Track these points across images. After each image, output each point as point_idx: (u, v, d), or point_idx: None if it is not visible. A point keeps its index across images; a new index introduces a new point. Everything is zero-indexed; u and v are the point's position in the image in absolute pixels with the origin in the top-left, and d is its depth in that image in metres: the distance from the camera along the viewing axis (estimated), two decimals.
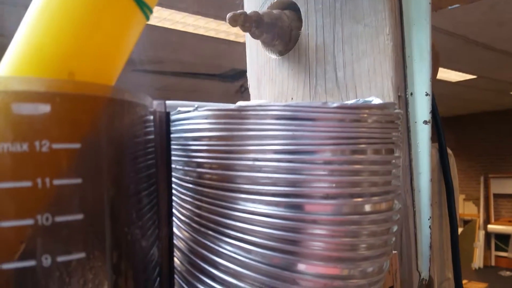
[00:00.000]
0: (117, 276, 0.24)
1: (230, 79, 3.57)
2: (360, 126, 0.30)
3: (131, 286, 0.26)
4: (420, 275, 0.49)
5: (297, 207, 0.29)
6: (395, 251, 0.48)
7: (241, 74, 3.31)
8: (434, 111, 0.53)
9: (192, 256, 0.32)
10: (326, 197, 0.29)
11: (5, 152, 0.21)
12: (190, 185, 0.33)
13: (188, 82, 3.70)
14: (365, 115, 0.30)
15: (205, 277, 0.31)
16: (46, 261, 0.21)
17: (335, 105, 0.28)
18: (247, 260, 0.30)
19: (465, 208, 6.24)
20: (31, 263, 0.21)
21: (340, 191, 0.29)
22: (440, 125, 0.57)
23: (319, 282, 0.30)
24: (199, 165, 0.32)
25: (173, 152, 0.34)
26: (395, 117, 0.32)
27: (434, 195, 0.55)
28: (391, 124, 0.32)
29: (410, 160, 0.50)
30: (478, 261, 5.68)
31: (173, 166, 0.34)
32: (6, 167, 0.21)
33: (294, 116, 0.29)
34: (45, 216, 0.21)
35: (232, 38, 2.63)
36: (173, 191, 0.34)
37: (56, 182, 0.22)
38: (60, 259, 0.22)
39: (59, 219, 0.22)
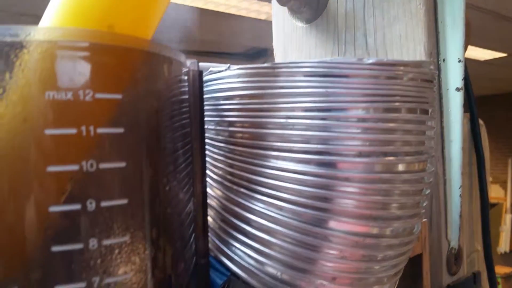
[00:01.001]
0: (155, 224, 0.25)
1: (251, 58, 3.55)
2: (395, 83, 0.29)
3: (168, 236, 0.27)
4: (449, 244, 0.49)
5: (329, 165, 0.29)
6: (425, 219, 0.48)
7: (263, 52, 3.28)
8: (466, 79, 0.51)
9: (225, 214, 0.33)
10: (359, 155, 0.29)
11: (51, 99, 0.21)
12: (222, 144, 0.33)
13: (208, 61, 3.70)
14: (400, 72, 0.30)
15: (238, 233, 0.32)
16: (91, 205, 0.22)
17: (370, 61, 0.28)
18: (279, 217, 0.30)
19: (492, 191, 6.11)
20: (76, 206, 0.22)
21: (373, 149, 0.29)
22: (472, 93, 0.56)
23: (351, 239, 0.30)
24: (231, 124, 0.32)
25: (205, 113, 0.34)
26: (431, 76, 0.32)
27: (464, 165, 0.54)
28: (426, 84, 0.32)
29: (442, 128, 0.49)
30: (504, 245, 5.58)
31: (205, 126, 0.35)
32: (52, 114, 0.22)
33: (327, 73, 0.28)
34: (89, 163, 0.22)
35: (253, 15, 2.60)
36: (206, 151, 0.35)
37: (100, 130, 0.22)
38: (103, 204, 0.22)
39: (102, 166, 0.22)
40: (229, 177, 0.33)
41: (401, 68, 0.29)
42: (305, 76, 0.29)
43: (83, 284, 0.22)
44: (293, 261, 0.31)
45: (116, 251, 0.23)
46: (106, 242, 0.22)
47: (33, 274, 0.21)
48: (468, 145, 0.57)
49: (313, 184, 0.29)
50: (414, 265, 0.47)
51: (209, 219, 0.35)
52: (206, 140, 0.35)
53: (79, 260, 0.22)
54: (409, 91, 0.30)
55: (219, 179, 0.34)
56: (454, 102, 0.49)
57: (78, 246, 0.22)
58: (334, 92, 0.28)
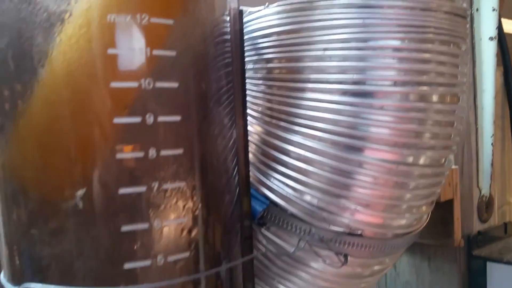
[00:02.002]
0: (204, 141, 0.27)
1: None
2: (429, 15, 0.30)
3: (214, 162, 0.29)
4: (480, 192, 0.50)
5: (365, 94, 0.31)
6: (456, 166, 0.49)
7: None
8: (500, 29, 0.51)
9: (265, 147, 0.35)
10: (394, 84, 0.30)
11: (112, 22, 0.24)
12: (261, 82, 0.35)
13: None
14: (435, 5, 0.31)
15: (277, 164, 0.34)
16: (149, 119, 0.24)
17: None
18: (316, 146, 0.32)
19: None
20: (137, 119, 0.24)
21: (407, 78, 0.31)
22: (506, 47, 0.56)
23: (384, 167, 0.32)
24: (269, 61, 0.34)
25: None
26: (463, 12, 0.33)
27: (497, 118, 0.54)
28: (459, 18, 0.33)
29: (474, 78, 0.50)
30: None
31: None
32: (113, 35, 0.24)
33: (364, 4, 0.30)
34: (147, 81, 0.24)
35: None
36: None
37: (155, 52, 0.25)
38: (160, 118, 0.25)
39: (158, 84, 0.25)
40: (268, 112, 0.35)
41: (436, 0, 0.30)
42: (342, 8, 0.30)
43: (143, 188, 0.24)
44: (329, 188, 0.32)
45: (171, 161, 0.25)
46: (163, 152, 0.25)
47: (100, 178, 0.24)
48: (501, 98, 0.57)
49: (349, 113, 0.31)
50: (445, 210, 0.48)
51: (250, 154, 0.37)
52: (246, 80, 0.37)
53: (140, 167, 0.24)
54: (442, 24, 0.31)
55: (259, 115, 0.36)
56: (487, 52, 0.49)
57: (139, 154, 0.24)
58: (371, 23, 0.30)
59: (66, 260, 0.25)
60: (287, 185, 0.34)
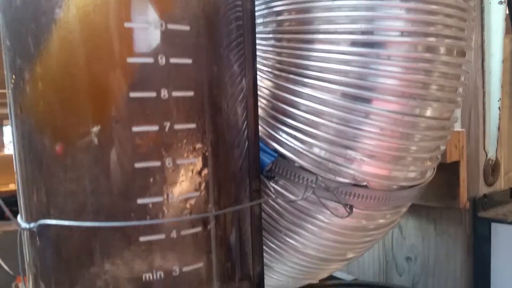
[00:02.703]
0: (213, 87, 0.28)
1: None
2: None
3: (224, 106, 0.30)
4: (486, 155, 0.50)
5: (373, 44, 0.31)
6: (463, 129, 0.49)
7: None
8: None
9: (274, 101, 0.36)
10: (401, 34, 0.31)
11: None
12: (271, 35, 0.35)
13: None
14: None
15: (286, 117, 0.35)
16: (161, 60, 0.25)
17: None
18: (325, 97, 0.33)
19: None
20: (149, 59, 0.25)
21: (415, 29, 0.31)
22: None
23: (391, 117, 0.32)
24: (279, 13, 0.34)
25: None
26: None
27: (505, 85, 0.54)
28: None
29: (482, 42, 0.50)
30: None
31: None
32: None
33: None
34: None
35: None
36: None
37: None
38: (172, 60, 0.26)
39: (171, 26, 0.25)
40: (278, 65, 0.35)
41: None
42: None
43: (156, 127, 0.25)
44: (337, 140, 0.33)
45: (182, 102, 0.26)
46: (175, 93, 0.26)
47: (114, 116, 0.25)
48: (509, 65, 0.57)
49: (358, 63, 0.31)
50: (451, 173, 0.49)
51: (259, 109, 0.38)
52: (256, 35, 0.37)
53: (152, 107, 0.25)
54: None
55: (268, 69, 0.36)
56: (496, 15, 0.49)
57: (152, 94, 0.25)
58: None
59: (80, 196, 0.26)
60: (295, 137, 0.35)
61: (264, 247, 0.41)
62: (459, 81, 0.34)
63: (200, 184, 0.27)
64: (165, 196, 0.26)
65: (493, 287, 0.49)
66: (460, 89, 0.35)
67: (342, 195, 0.35)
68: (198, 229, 0.27)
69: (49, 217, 0.26)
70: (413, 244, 0.55)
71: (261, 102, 0.37)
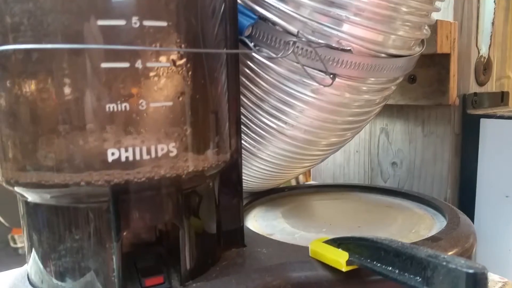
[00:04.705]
0: None
1: None
2: None
3: None
4: (478, 52, 0.49)
5: None
6: (455, 21, 0.47)
7: None
8: None
9: None
10: None
11: None
12: None
13: None
14: None
15: None
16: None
17: None
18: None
19: None
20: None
21: None
22: None
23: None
24: None
25: None
26: None
27: None
28: None
29: None
30: None
31: None
32: None
33: None
34: None
35: None
36: None
37: None
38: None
39: None
40: None
41: None
42: None
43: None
44: None
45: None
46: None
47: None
48: None
49: None
50: (441, 67, 0.47)
51: None
52: None
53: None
54: None
55: None
56: None
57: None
58: None
59: (38, 17, 0.23)
60: None
61: (247, 131, 0.40)
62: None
63: (170, 16, 0.25)
64: (131, 20, 0.24)
65: (479, 185, 0.48)
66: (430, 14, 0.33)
67: (325, 61, 0.33)
68: (166, 64, 0.25)
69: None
70: (399, 148, 0.54)
71: None
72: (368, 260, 0.27)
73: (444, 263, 0.22)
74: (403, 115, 0.53)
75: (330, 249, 0.30)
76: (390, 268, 0.26)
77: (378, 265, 0.27)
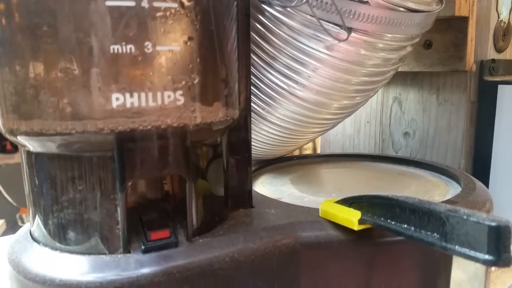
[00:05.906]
0: None
1: None
2: None
3: None
4: (498, 16, 0.47)
5: None
6: None
7: None
8: None
9: None
10: None
11: None
12: None
13: None
14: None
15: None
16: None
17: None
18: None
19: None
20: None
21: None
22: None
23: None
24: None
25: None
26: None
27: None
28: None
29: None
30: None
31: None
32: None
33: None
34: None
35: None
36: None
37: None
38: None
39: None
40: None
41: None
42: None
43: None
44: None
45: None
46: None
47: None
48: None
49: None
50: (458, 31, 0.45)
51: None
52: None
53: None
54: None
55: None
56: None
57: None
58: None
59: None
60: None
61: (257, 92, 0.38)
62: None
63: None
64: None
65: (494, 155, 0.47)
66: None
67: (343, 14, 0.31)
68: (173, 5, 0.24)
69: None
70: (413, 118, 0.53)
71: None
72: (382, 219, 0.26)
73: (465, 217, 0.21)
74: (417, 83, 0.51)
75: (341, 208, 0.29)
76: (406, 226, 0.25)
77: (393, 223, 0.25)
